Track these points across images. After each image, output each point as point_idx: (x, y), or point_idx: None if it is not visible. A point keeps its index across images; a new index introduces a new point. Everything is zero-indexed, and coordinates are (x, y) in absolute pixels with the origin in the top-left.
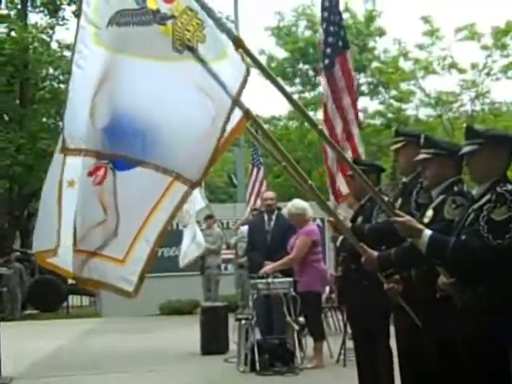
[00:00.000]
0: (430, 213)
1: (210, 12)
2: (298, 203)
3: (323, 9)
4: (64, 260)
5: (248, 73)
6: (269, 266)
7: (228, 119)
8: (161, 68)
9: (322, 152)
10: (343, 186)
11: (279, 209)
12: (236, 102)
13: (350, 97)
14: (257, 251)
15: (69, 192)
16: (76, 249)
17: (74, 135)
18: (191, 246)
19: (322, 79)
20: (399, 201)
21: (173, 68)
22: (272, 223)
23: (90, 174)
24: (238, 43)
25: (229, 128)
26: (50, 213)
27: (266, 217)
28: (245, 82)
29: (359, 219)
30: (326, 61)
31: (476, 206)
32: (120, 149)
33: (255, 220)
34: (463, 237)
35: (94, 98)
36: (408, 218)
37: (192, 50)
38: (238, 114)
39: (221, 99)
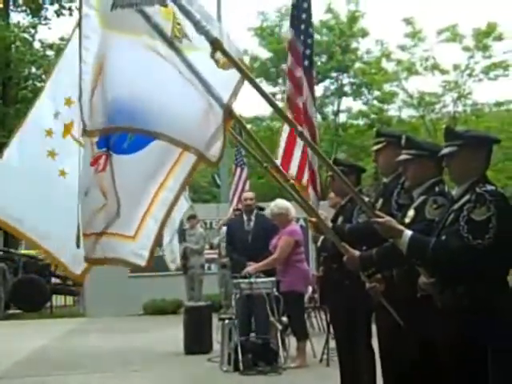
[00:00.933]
0: (411, 213)
1: (188, 14)
2: (280, 203)
3: (300, 10)
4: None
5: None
6: (252, 267)
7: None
8: (164, 50)
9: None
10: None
11: (261, 209)
12: (228, 109)
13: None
14: (238, 251)
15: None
16: (85, 233)
17: (91, 118)
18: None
19: (289, 81)
20: (380, 201)
21: (174, 55)
22: (252, 223)
23: (92, 163)
24: (216, 45)
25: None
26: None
27: (245, 217)
28: (236, 90)
29: (340, 219)
30: (306, 62)
31: (456, 206)
32: (131, 122)
33: (234, 220)
34: (443, 237)
35: (105, 78)
36: (388, 218)
37: (190, 39)
38: (221, 115)
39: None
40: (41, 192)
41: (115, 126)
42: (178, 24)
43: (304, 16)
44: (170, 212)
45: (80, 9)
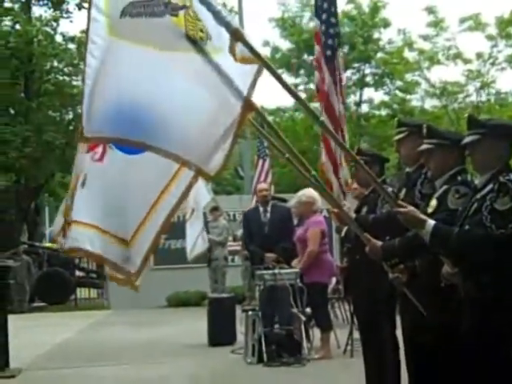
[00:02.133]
0: (433, 203)
1: (208, 5)
2: (309, 192)
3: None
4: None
5: (259, 72)
6: (298, 264)
7: (242, 117)
8: (175, 59)
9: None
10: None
11: (284, 200)
12: (248, 102)
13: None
14: (255, 243)
15: None
16: (76, 220)
17: (90, 124)
18: (199, 240)
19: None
20: (403, 191)
21: (187, 58)
22: (268, 214)
23: (89, 149)
24: (237, 36)
25: (230, 120)
26: None
27: (261, 208)
28: (255, 81)
29: (364, 209)
30: (329, 52)
31: (479, 195)
32: (130, 134)
33: (251, 212)
34: (466, 227)
35: (108, 87)
36: (411, 208)
37: (202, 43)
38: (239, 105)
39: (229, 94)
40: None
41: (113, 137)
42: (191, 28)
43: (325, 5)
44: (171, 218)
45: (89, 11)
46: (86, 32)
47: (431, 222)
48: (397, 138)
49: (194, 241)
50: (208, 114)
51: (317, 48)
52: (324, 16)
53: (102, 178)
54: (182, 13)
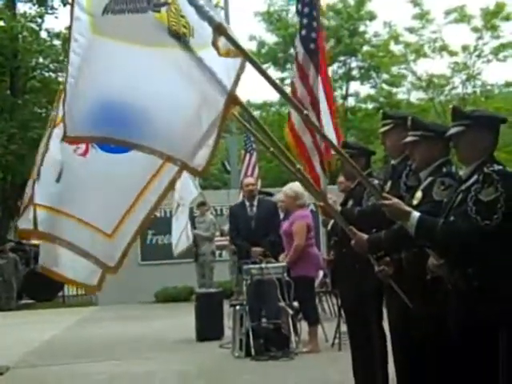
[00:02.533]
0: (418, 194)
1: (191, 1)
2: (295, 186)
3: None
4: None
5: (242, 67)
6: (286, 258)
7: (225, 112)
8: (159, 55)
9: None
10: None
11: (270, 194)
12: (232, 96)
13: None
14: (242, 237)
15: None
16: (54, 208)
17: (74, 123)
18: (182, 236)
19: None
20: (388, 184)
21: (171, 54)
22: (254, 208)
23: (71, 142)
24: (220, 30)
25: (214, 114)
26: None
27: (247, 203)
28: (238, 76)
29: (349, 203)
30: (312, 45)
31: (464, 187)
32: (114, 133)
33: (237, 206)
34: (451, 218)
35: (92, 85)
36: (396, 200)
37: (186, 39)
38: (222, 100)
39: (213, 89)
40: None
41: (98, 136)
42: (174, 25)
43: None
44: (151, 215)
45: (72, 10)
46: (68, 30)
47: (416, 214)
48: (382, 130)
49: (179, 236)
50: (192, 110)
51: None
52: (306, 9)
53: (83, 171)
54: (164, 9)
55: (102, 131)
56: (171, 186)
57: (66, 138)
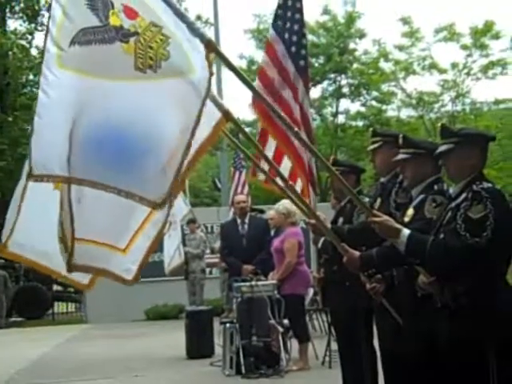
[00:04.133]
0: (410, 212)
1: (182, 17)
2: (288, 203)
3: (292, 10)
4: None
5: (209, 83)
6: (275, 275)
7: (193, 134)
8: (124, 88)
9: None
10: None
11: (262, 211)
12: (199, 116)
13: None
14: (233, 255)
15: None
16: (76, 238)
17: (38, 161)
18: (175, 254)
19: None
20: (378, 201)
21: (137, 88)
22: (246, 226)
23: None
24: (211, 47)
25: (207, 129)
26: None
27: (238, 220)
28: (207, 91)
29: (340, 220)
30: (302, 62)
31: (453, 204)
32: (87, 174)
33: (228, 224)
34: (441, 235)
35: (62, 124)
36: (386, 217)
37: (154, 70)
38: (216, 115)
39: (185, 115)
40: (36, 208)
41: (62, 176)
42: (141, 57)
43: (297, 16)
44: (162, 231)
45: (45, 40)
46: (39, 62)
47: (406, 232)
48: (371, 147)
49: (172, 254)
50: (153, 142)
51: (265, 57)
52: (296, 26)
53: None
54: (132, 40)
55: (67, 171)
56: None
57: (31, 177)
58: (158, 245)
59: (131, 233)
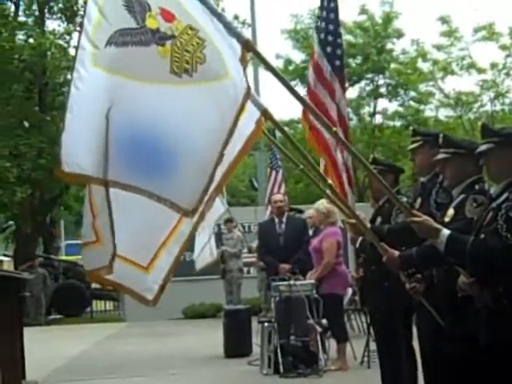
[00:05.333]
0: (450, 212)
1: (220, 17)
2: (327, 203)
3: (327, 10)
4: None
5: (248, 91)
6: (313, 275)
7: (226, 144)
8: (159, 92)
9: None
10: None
11: (300, 211)
12: (236, 121)
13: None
14: (270, 254)
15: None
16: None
17: (70, 159)
18: (205, 251)
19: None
20: (418, 201)
21: (171, 92)
22: (283, 225)
23: (63, 178)
24: (248, 46)
25: (248, 130)
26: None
27: (276, 219)
28: (246, 97)
29: (378, 220)
30: (338, 62)
31: (494, 204)
32: (118, 175)
33: (266, 223)
34: (482, 236)
35: (93, 123)
36: (425, 217)
37: (190, 74)
38: (256, 114)
39: (220, 121)
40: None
41: (94, 177)
42: (177, 60)
43: (332, 16)
44: (185, 248)
45: (79, 37)
46: (73, 58)
47: (446, 232)
48: (411, 147)
49: (198, 253)
50: (190, 150)
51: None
52: (331, 26)
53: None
54: (169, 43)
55: (102, 172)
56: (202, 217)
57: (58, 173)
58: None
59: (155, 249)
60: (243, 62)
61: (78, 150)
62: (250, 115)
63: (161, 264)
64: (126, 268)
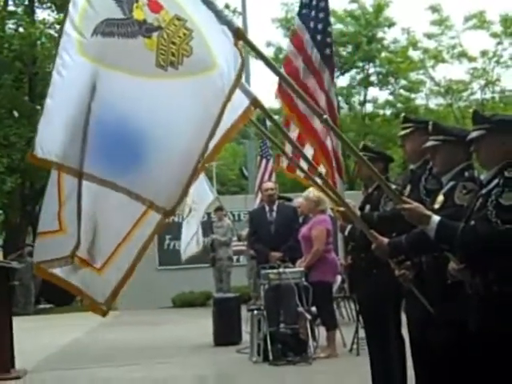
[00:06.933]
0: (440, 198)
1: (210, 5)
2: (317, 191)
3: None
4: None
5: (239, 78)
6: (303, 263)
7: (211, 136)
8: (144, 86)
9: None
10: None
11: (289, 199)
12: (223, 111)
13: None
14: (261, 242)
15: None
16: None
17: (45, 144)
18: (193, 241)
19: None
20: (408, 188)
21: (157, 86)
22: (274, 213)
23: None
24: (239, 34)
25: (235, 116)
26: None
27: (267, 207)
28: (239, 75)
29: (367, 207)
30: (327, 51)
31: (484, 191)
32: (95, 169)
33: (257, 211)
34: (472, 222)
35: (73, 112)
36: (416, 204)
37: (176, 67)
38: (244, 103)
39: (204, 116)
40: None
41: (66, 166)
42: (163, 53)
43: (322, 4)
44: (144, 251)
45: (63, 24)
46: (55, 45)
47: (436, 218)
48: (402, 133)
49: (188, 241)
50: (172, 146)
51: (291, 45)
52: (321, 14)
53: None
54: (155, 34)
55: (73, 162)
56: (154, 234)
57: (31, 158)
58: (163, 234)
59: (110, 251)
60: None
61: (55, 137)
62: (239, 103)
63: (115, 267)
64: (84, 271)
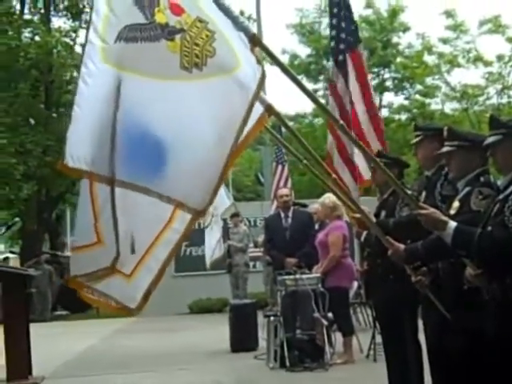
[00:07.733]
0: (456, 204)
1: (227, 11)
2: (333, 197)
3: (332, 4)
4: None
5: (263, 76)
6: (319, 269)
7: (238, 138)
8: (170, 88)
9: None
10: (365, 172)
11: (304, 206)
12: (251, 107)
13: (365, 93)
14: (277, 248)
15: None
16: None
17: (75, 153)
18: (216, 247)
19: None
20: (423, 194)
21: (182, 88)
22: (289, 220)
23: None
24: (255, 41)
25: (250, 124)
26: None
27: (282, 214)
28: (260, 84)
29: (382, 213)
30: (340, 57)
31: (501, 196)
32: (126, 175)
33: (272, 217)
34: (489, 228)
35: (99, 121)
36: (432, 210)
37: (200, 68)
38: (259, 110)
39: (231, 116)
40: None
41: (96, 173)
42: (186, 55)
43: (335, 10)
44: (173, 254)
45: (87, 31)
46: (81, 53)
47: (453, 224)
48: (413, 141)
49: (214, 247)
50: (201, 148)
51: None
52: (334, 21)
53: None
54: (178, 37)
55: (103, 169)
56: (187, 232)
57: (62, 167)
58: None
59: (137, 257)
60: (253, 53)
61: (84, 145)
62: (254, 111)
63: (144, 272)
64: (113, 278)
